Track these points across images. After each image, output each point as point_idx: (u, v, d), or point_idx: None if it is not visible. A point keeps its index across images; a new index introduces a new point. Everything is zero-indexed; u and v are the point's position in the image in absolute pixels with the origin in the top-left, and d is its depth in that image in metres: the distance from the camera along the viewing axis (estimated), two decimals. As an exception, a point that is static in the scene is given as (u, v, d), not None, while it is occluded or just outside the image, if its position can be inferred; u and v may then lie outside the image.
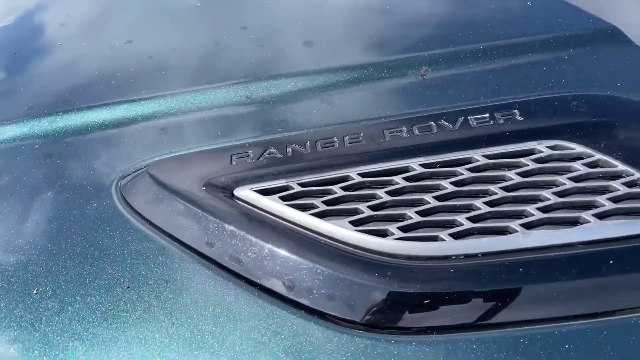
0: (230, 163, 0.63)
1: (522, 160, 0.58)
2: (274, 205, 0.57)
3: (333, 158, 0.62)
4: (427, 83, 0.71)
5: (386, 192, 0.57)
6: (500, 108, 0.64)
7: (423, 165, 0.59)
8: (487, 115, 0.64)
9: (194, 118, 0.73)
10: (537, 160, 0.58)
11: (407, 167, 0.59)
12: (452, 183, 0.57)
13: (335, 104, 0.71)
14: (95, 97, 0.78)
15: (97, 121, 0.74)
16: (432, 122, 0.64)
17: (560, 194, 0.54)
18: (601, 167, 0.57)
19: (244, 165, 0.63)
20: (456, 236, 0.52)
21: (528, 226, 0.52)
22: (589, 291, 0.49)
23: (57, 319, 0.53)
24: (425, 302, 0.48)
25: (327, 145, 0.64)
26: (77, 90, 0.81)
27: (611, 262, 0.49)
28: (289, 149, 0.64)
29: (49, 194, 0.66)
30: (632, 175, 0.55)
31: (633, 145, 0.58)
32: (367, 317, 0.49)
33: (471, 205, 0.55)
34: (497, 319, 0.48)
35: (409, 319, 0.49)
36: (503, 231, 0.52)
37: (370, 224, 0.55)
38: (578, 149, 0.58)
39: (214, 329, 0.50)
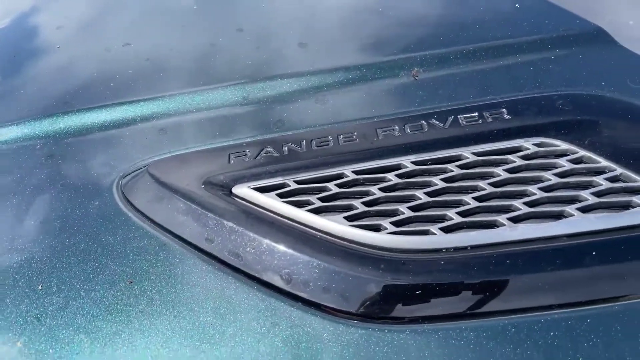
0: (229, 162, 0.65)
1: (510, 157, 0.60)
2: (271, 202, 0.59)
3: (328, 156, 0.64)
4: (419, 83, 0.74)
5: (379, 189, 0.59)
6: (489, 107, 0.67)
7: (414, 163, 0.61)
8: (476, 114, 0.66)
9: (192, 119, 0.74)
10: (523, 157, 0.60)
11: (399, 164, 0.61)
12: (442, 179, 0.59)
13: (330, 104, 0.73)
14: (95, 99, 0.79)
15: (97, 122, 0.76)
16: (423, 121, 0.66)
17: (545, 189, 0.57)
18: (585, 163, 0.59)
19: (241, 164, 0.65)
20: (446, 230, 0.55)
21: (515, 220, 0.54)
22: (573, 281, 0.51)
23: (62, 313, 0.55)
24: (417, 293, 0.50)
25: (322, 144, 0.66)
26: (77, 92, 0.82)
27: (594, 253, 0.51)
28: (286, 148, 0.66)
29: (51, 193, 0.67)
30: (615, 170, 0.57)
31: (616, 142, 0.60)
32: (362, 308, 0.51)
33: (461, 200, 0.57)
34: (485, 308, 0.50)
35: (401, 310, 0.51)
36: (491, 225, 0.55)
37: (364, 220, 0.57)
38: (563, 146, 0.60)
39: (214, 321, 0.52)
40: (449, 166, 0.60)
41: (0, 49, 1.00)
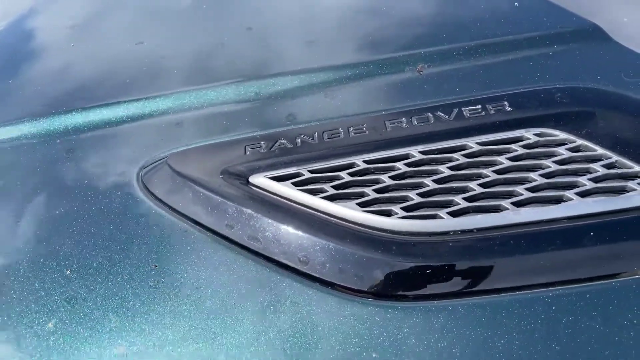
0: (244, 153, 0.68)
1: (512, 146, 0.63)
2: (287, 190, 0.63)
3: (339, 147, 0.67)
4: (424, 78, 0.77)
5: (389, 177, 0.63)
6: (491, 100, 0.70)
7: (422, 152, 0.64)
8: (479, 106, 0.69)
9: (207, 113, 0.77)
10: (525, 146, 0.63)
11: (408, 154, 0.65)
12: (449, 168, 0.62)
13: (339, 98, 0.76)
14: (113, 95, 0.83)
15: (116, 117, 0.79)
16: (429, 114, 0.70)
17: (546, 176, 0.60)
18: (582, 151, 0.62)
19: (257, 155, 0.68)
20: (454, 214, 0.58)
21: (518, 204, 0.58)
22: (572, 260, 0.54)
23: (90, 295, 0.58)
24: (428, 272, 0.54)
25: (333, 136, 0.69)
26: (95, 89, 0.85)
27: (592, 234, 0.54)
28: (299, 140, 0.69)
29: (74, 185, 0.70)
30: (610, 158, 0.60)
31: (611, 131, 0.64)
32: (376, 287, 0.54)
33: (466, 187, 0.60)
34: (491, 285, 0.53)
35: (412, 287, 0.54)
36: (495, 209, 0.58)
37: (375, 206, 0.60)
38: (562, 135, 0.64)
39: (237, 300, 0.55)
40: (455, 155, 0.63)
41: (14, 47, 1.03)
